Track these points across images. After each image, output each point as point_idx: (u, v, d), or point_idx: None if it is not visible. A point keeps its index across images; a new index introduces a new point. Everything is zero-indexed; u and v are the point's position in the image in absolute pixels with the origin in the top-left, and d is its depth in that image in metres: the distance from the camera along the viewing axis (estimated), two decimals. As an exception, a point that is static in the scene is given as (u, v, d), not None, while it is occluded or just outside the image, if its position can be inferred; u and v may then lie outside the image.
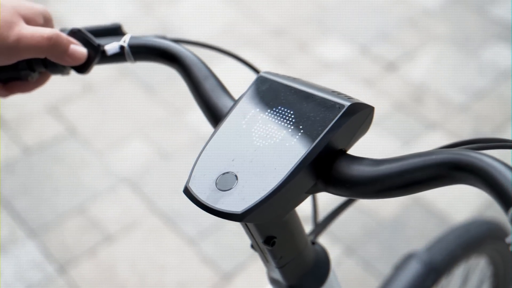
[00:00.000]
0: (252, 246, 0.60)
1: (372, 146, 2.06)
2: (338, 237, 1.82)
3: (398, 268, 1.05)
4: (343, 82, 2.37)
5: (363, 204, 1.91)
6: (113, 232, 1.84)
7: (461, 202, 1.93)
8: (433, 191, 1.94)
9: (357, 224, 1.86)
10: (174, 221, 1.87)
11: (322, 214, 0.77)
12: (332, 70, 2.44)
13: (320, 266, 0.64)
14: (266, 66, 2.41)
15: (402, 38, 2.62)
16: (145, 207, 1.91)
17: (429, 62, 2.50)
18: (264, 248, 0.57)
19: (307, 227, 0.73)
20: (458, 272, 1.17)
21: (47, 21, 0.65)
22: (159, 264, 1.77)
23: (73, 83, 2.33)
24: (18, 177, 2.01)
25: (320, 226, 0.74)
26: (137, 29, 2.61)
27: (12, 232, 1.84)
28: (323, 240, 1.80)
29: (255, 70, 0.69)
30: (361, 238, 1.83)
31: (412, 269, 1.03)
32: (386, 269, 1.73)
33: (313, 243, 0.65)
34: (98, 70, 0.67)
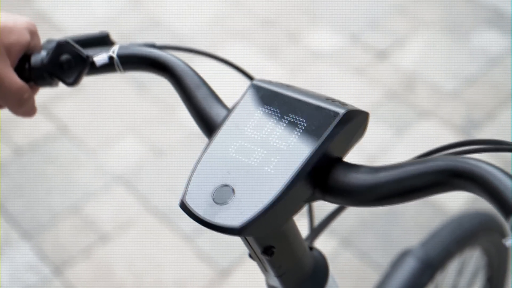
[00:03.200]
0: (250, 256, 0.60)
1: (365, 135, 2.06)
2: (334, 229, 1.82)
3: (394, 265, 1.06)
4: (334, 72, 2.36)
5: (358, 195, 1.91)
6: (108, 232, 1.83)
7: (456, 192, 1.93)
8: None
9: (353, 216, 1.86)
10: (170, 218, 1.86)
11: (318, 213, 0.77)
12: (323, 60, 2.43)
13: (319, 272, 0.63)
14: (256, 58, 2.40)
15: (392, 26, 2.61)
16: (140, 205, 1.91)
17: (420, 49, 2.49)
18: (263, 258, 0.56)
19: (303, 231, 0.73)
20: (452, 265, 1.17)
21: (32, 35, 0.65)
22: (156, 262, 1.77)
23: (62, 81, 2.31)
24: (10, 178, 1.99)
25: (316, 230, 0.73)
26: (125, 25, 2.59)
27: (6, 234, 1.82)
28: (319, 232, 1.80)
29: (248, 76, 0.68)
30: (357, 230, 1.84)
31: (408, 266, 1.03)
32: (382, 259, 1.74)
33: (311, 248, 0.65)
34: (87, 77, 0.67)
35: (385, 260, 1.74)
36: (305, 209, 0.75)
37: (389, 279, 1.03)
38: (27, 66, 0.65)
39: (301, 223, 0.64)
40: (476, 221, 1.15)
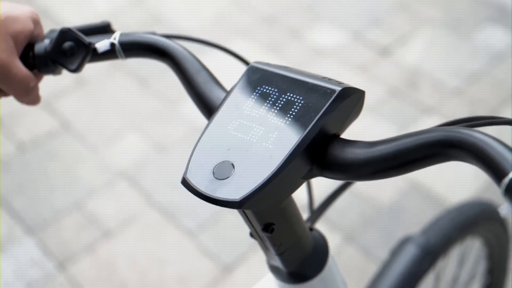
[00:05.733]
0: (251, 235, 0.61)
1: (368, 132, 2.06)
2: (337, 225, 1.82)
3: (394, 252, 1.06)
4: (336, 69, 2.36)
5: (361, 191, 1.91)
6: (112, 228, 1.84)
7: (459, 186, 1.93)
8: (430, 175, 1.94)
9: (356, 212, 1.87)
10: (173, 214, 1.87)
11: (318, 200, 0.77)
12: (325, 57, 2.43)
13: (319, 251, 0.65)
14: (259, 55, 2.39)
15: (394, 23, 2.61)
16: (143, 201, 1.91)
17: (422, 46, 2.49)
18: (263, 235, 0.57)
19: (304, 215, 0.73)
20: (454, 255, 1.18)
21: (35, 24, 0.66)
22: (159, 258, 1.77)
23: (65, 78, 2.30)
24: (13, 174, 1.99)
25: (317, 212, 0.75)
26: (127, 21, 2.59)
27: (10, 230, 1.83)
28: (322, 228, 1.80)
29: (245, 62, 0.69)
30: (360, 226, 1.84)
31: (409, 253, 1.03)
32: (385, 256, 1.74)
33: (311, 229, 0.66)
34: (90, 64, 0.68)
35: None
36: (306, 193, 0.76)
37: (389, 266, 1.03)
38: (31, 54, 0.65)
39: (303, 211, 0.64)
40: (477, 210, 1.16)
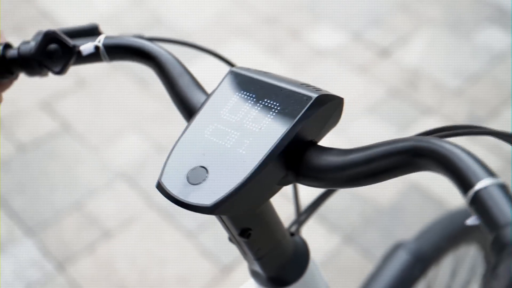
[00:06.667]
0: (230, 239, 0.61)
1: (368, 133, 2.06)
2: (336, 225, 1.82)
3: (386, 258, 1.06)
4: (337, 69, 2.36)
5: (361, 191, 1.91)
6: (111, 228, 1.84)
7: (459, 187, 1.93)
8: (430, 176, 1.94)
9: (355, 212, 1.86)
10: (172, 214, 1.87)
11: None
12: (325, 58, 2.43)
13: (299, 256, 0.65)
14: (259, 56, 2.40)
15: (395, 23, 2.61)
16: (143, 201, 1.91)
17: (423, 47, 2.49)
18: (241, 240, 0.57)
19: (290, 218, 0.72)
20: (447, 263, 1.17)
21: None
22: (159, 258, 1.77)
23: (65, 79, 2.31)
24: (13, 175, 2.00)
25: (300, 217, 0.75)
26: (127, 22, 2.60)
27: (9, 230, 1.83)
28: (321, 229, 1.80)
29: (230, 64, 0.69)
30: (359, 226, 1.84)
31: (400, 259, 1.03)
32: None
33: (292, 234, 0.66)
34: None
35: (388, 256, 1.74)
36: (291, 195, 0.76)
37: (381, 271, 1.03)
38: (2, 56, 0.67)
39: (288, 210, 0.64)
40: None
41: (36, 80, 1.90)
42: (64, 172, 2.01)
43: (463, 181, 0.41)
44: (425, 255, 1.04)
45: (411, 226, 1.83)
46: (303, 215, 0.75)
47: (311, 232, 1.65)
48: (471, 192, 0.40)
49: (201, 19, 2.63)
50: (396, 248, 1.07)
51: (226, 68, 0.77)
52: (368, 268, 1.72)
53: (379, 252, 1.76)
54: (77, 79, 2.33)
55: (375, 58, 2.43)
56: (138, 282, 1.71)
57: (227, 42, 2.48)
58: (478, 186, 0.40)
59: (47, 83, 2.20)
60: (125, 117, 2.20)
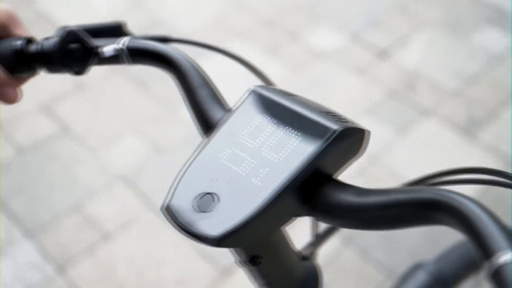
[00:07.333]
0: (237, 263, 0.59)
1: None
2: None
3: (405, 277, 1.04)
4: (335, 71, 2.36)
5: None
6: (111, 230, 1.84)
7: (458, 189, 1.93)
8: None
9: (354, 214, 1.87)
10: (171, 216, 1.87)
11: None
12: (324, 59, 2.43)
13: (309, 282, 0.63)
14: (258, 57, 2.40)
15: (393, 24, 2.61)
16: (142, 203, 1.91)
17: (421, 48, 2.49)
18: (250, 266, 0.55)
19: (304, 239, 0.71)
20: (466, 286, 1.15)
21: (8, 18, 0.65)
22: (158, 260, 1.77)
23: (64, 81, 2.31)
24: (12, 177, 2.00)
25: (314, 242, 0.72)
26: (127, 24, 2.59)
27: (8, 233, 1.83)
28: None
29: (267, 81, 0.67)
30: (358, 228, 1.84)
31: (419, 279, 1.00)
32: (384, 257, 1.74)
33: (304, 258, 0.64)
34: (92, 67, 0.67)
35: (386, 258, 1.74)
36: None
37: None
38: (27, 52, 0.65)
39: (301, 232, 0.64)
40: None
41: (35, 83, 1.89)
42: (63, 174, 2.01)
43: (484, 249, 0.37)
44: (445, 277, 1.01)
45: (410, 229, 1.83)
46: (318, 239, 0.72)
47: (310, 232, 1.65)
48: (493, 264, 0.36)
49: (200, 20, 2.64)
50: (416, 268, 1.04)
51: (240, 69, 0.75)
52: (367, 270, 1.73)
53: (377, 253, 1.76)
54: (76, 82, 2.33)
55: (373, 59, 2.43)
56: (137, 284, 1.72)
57: (226, 43, 2.48)
58: (502, 259, 0.36)
59: (46, 86, 2.20)
60: (124, 119, 2.20)
